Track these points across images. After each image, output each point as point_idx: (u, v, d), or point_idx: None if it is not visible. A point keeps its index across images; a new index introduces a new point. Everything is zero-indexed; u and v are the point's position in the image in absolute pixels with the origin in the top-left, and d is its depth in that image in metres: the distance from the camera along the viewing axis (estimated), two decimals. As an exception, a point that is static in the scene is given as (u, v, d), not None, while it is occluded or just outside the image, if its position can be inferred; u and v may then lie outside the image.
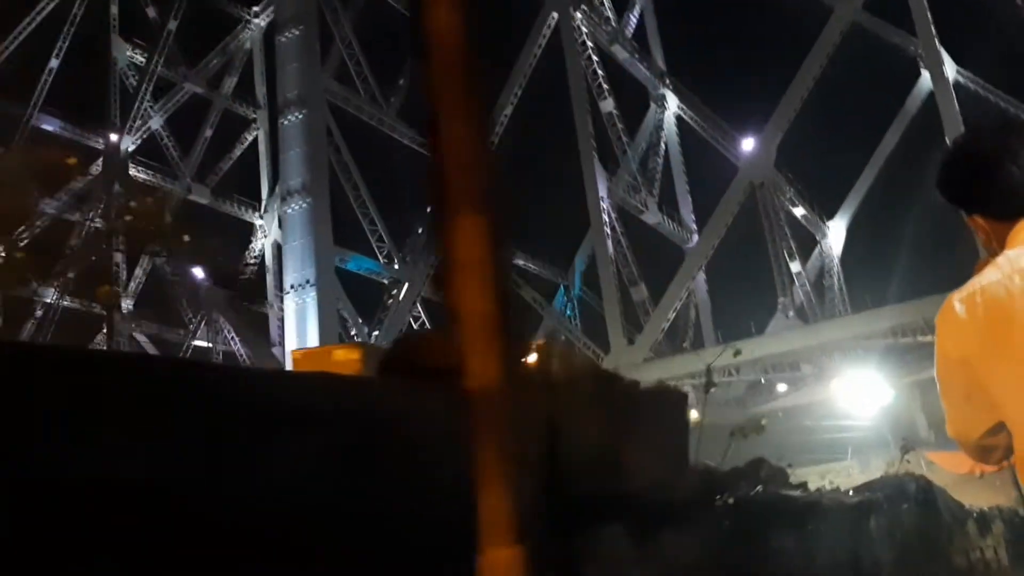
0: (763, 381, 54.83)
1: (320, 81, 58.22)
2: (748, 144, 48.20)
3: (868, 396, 35.61)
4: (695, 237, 60.07)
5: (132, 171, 69.42)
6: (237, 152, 73.10)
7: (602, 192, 48.56)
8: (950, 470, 37.02)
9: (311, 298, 52.80)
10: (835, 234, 56.90)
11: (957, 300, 2.47)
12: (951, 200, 2.72)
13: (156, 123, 70.75)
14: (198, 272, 60.78)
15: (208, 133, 73.04)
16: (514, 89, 52.52)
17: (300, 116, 56.83)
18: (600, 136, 54.81)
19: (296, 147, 56.59)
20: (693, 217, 60.38)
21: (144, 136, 70.81)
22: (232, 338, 59.66)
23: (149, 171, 70.62)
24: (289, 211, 55.67)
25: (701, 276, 59.78)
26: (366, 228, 60.45)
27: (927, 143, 49.11)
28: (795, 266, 48.30)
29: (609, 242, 47.80)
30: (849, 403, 38.25)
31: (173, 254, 57.23)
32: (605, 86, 53.39)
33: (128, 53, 70.83)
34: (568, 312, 62.15)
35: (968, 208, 2.64)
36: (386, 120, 65.98)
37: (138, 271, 67.52)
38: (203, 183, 71.52)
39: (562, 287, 63.96)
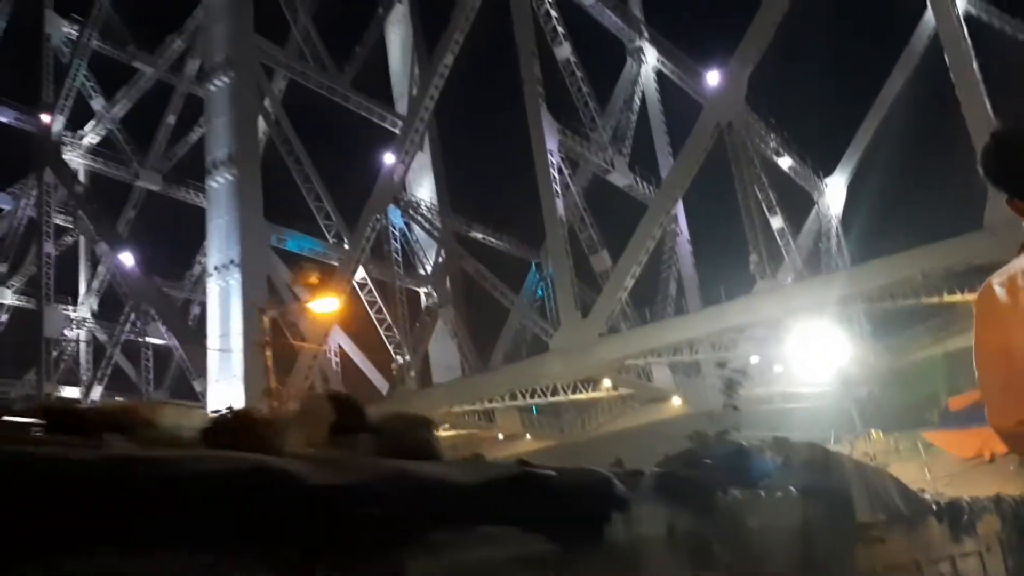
0: (752, 361, 47.94)
1: (251, 41, 52.15)
2: (713, 78, 41.29)
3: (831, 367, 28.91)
4: (678, 204, 53.36)
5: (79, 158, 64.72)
6: (195, 136, 67.03)
7: (551, 145, 41.91)
8: (954, 453, 29.97)
9: (235, 280, 46.67)
10: (834, 192, 49.87)
11: (997, 283, 2.40)
12: (993, 182, 2.62)
13: (98, 104, 65.56)
14: (127, 259, 55.21)
15: (171, 120, 67.91)
16: (454, 36, 46.03)
17: (227, 80, 50.86)
18: (562, 90, 48.66)
19: (222, 114, 50.63)
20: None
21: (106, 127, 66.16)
22: (165, 331, 54.10)
23: (97, 158, 65.93)
24: (214, 185, 49.71)
25: (686, 246, 53.11)
26: (311, 205, 54.04)
27: (937, 87, 42.26)
28: (776, 221, 41.28)
29: (560, 202, 41.10)
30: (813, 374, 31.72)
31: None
32: (560, 30, 46.72)
33: (65, 29, 65.39)
34: (539, 292, 55.61)
35: (1010, 192, 2.54)
36: (339, 89, 60.00)
37: (101, 268, 62.67)
38: (156, 169, 66.60)
39: (534, 265, 57.46)
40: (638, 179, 50.00)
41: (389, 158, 47.54)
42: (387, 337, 52.27)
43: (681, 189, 39.29)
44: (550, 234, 41.26)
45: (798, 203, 49.66)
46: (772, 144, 44.26)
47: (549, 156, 41.66)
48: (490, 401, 44.06)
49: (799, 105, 50.66)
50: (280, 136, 53.74)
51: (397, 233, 47.29)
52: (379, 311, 52.35)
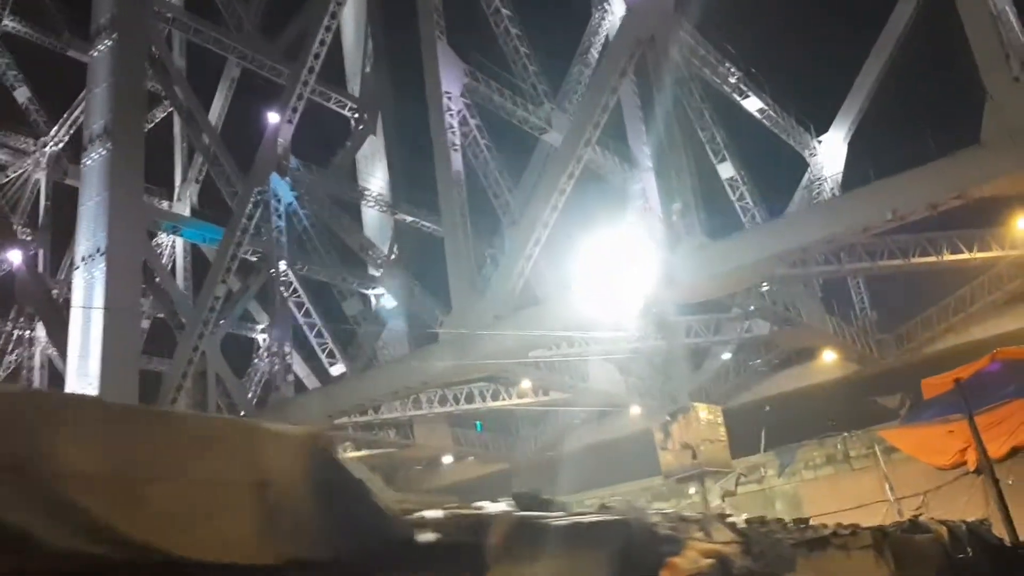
0: (724, 357, 38.64)
1: (141, 1, 44.93)
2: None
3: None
4: (650, 178, 44.23)
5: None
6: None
7: (450, 87, 33.48)
8: (925, 460, 20.37)
9: (100, 272, 38.94)
10: (830, 151, 40.30)
11: None
12: None
13: (22, 95, 59.43)
14: (15, 257, 48.14)
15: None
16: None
17: (108, 43, 43.62)
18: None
19: (103, 82, 43.30)
20: (647, 150, 44.27)
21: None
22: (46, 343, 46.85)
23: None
24: (88, 162, 42.29)
25: (658, 224, 43.79)
26: (224, 191, 46.05)
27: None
28: (726, 169, 32.17)
29: (456, 155, 32.57)
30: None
31: None
32: (480, -44, 38.39)
33: (-12, 16, 59.14)
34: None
35: None
36: (266, 62, 52.45)
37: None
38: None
39: (488, 258, 48.71)
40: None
41: (273, 117, 39.37)
42: (319, 345, 44.17)
43: (595, 126, 30.30)
44: (442, 193, 32.69)
45: (784, 163, 40.55)
46: (733, 80, 35.11)
47: (446, 100, 33.19)
48: (412, 410, 35.69)
49: (790, 54, 41.34)
50: (180, 107, 46.30)
51: (282, 210, 38.86)
52: (307, 314, 44.28)
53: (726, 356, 37.70)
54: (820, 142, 40.01)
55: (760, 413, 35.80)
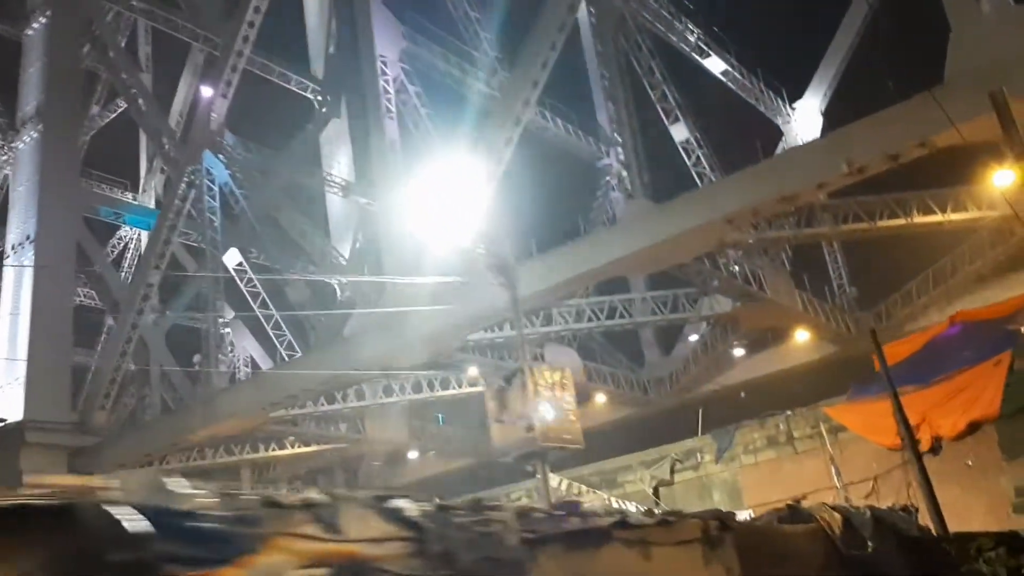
0: (691, 338, 36.07)
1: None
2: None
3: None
4: (617, 153, 41.73)
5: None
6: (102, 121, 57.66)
7: (386, 50, 31.01)
8: (874, 440, 17.68)
9: (29, 261, 36.67)
10: (806, 119, 37.57)
11: None
12: None
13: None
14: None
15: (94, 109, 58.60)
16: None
17: (43, 20, 41.42)
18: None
19: (37, 62, 41.09)
20: (614, 124, 41.65)
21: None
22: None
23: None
24: (19, 146, 40.04)
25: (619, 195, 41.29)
26: (171, 174, 43.54)
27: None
28: (680, 131, 29.55)
29: (391, 123, 30.10)
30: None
31: None
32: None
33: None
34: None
35: None
36: (216, 40, 49.86)
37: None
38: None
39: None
40: (547, 114, 38.48)
41: (206, 91, 36.99)
42: (276, 336, 41.82)
43: (534, 85, 27.61)
44: (376, 164, 30.32)
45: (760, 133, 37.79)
46: (691, 38, 32.39)
47: (380, 65, 30.73)
48: (355, 401, 33.25)
49: (759, 13, 38.75)
50: (123, 88, 43.85)
51: (216, 190, 36.39)
52: (263, 304, 41.94)
53: (694, 338, 35.10)
54: (795, 108, 37.30)
55: (736, 400, 33.27)
